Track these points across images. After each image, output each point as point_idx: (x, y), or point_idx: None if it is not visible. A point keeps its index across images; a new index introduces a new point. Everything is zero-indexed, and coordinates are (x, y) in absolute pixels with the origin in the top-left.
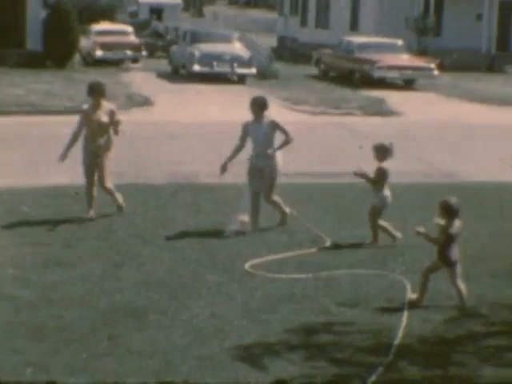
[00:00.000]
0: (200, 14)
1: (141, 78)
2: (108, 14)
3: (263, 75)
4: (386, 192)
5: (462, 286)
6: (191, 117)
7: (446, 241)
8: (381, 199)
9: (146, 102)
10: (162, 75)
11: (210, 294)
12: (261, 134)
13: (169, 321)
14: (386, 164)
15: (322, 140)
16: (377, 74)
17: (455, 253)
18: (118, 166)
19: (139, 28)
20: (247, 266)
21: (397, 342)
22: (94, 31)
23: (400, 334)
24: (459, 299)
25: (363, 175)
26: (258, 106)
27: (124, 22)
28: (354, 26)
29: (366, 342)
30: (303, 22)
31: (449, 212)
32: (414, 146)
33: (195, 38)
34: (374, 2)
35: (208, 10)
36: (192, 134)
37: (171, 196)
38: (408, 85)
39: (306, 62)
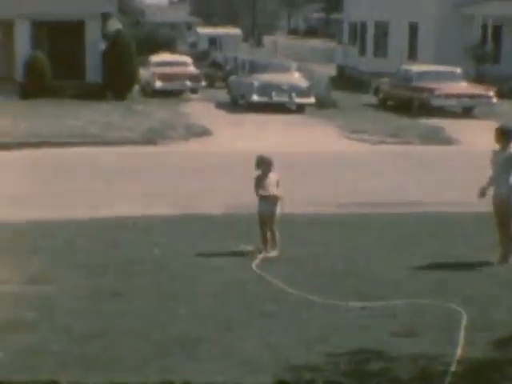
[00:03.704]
0: (259, 43)
1: (200, 109)
2: (168, 45)
3: (322, 104)
4: None
5: None
6: (249, 147)
7: None
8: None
9: (204, 133)
10: (220, 105)
11: (263, 324)
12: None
13: (221, 352)
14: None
15: (381, 169)
16: (435, 102)
17: None
18: (173, 196)
19: (199, 58)
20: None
21: (452, 369)
22: (153, 62)
23: (455, 362)
24: None
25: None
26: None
27: (184, 53)
28: (412, 55)
29: (418, 370)
30: (362, 51)
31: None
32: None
33: (254, 68)
34: (432, 31)
35: (267, 39)
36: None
37: (228, 227)
38: (467, 113)
39: (364, 91)
